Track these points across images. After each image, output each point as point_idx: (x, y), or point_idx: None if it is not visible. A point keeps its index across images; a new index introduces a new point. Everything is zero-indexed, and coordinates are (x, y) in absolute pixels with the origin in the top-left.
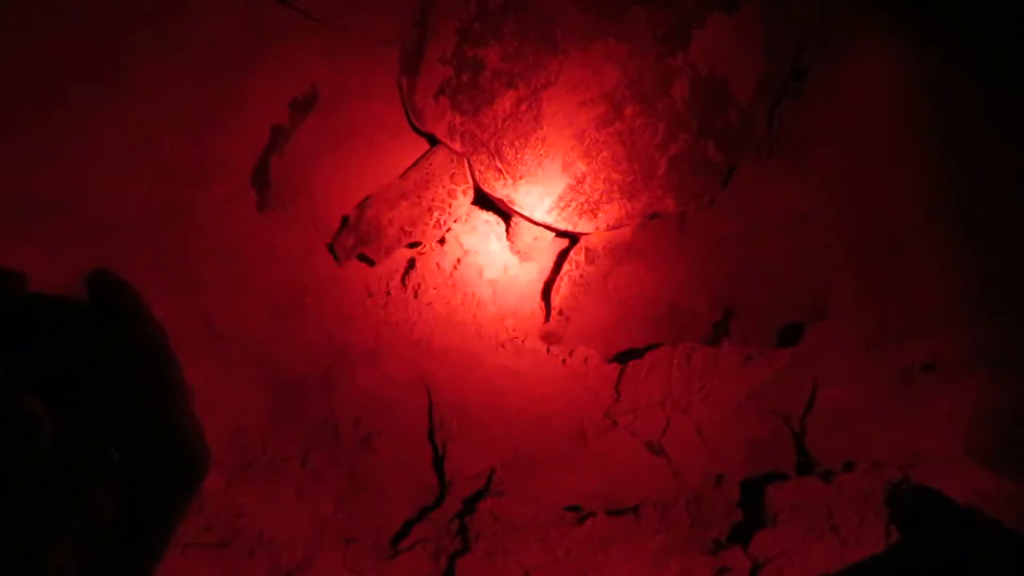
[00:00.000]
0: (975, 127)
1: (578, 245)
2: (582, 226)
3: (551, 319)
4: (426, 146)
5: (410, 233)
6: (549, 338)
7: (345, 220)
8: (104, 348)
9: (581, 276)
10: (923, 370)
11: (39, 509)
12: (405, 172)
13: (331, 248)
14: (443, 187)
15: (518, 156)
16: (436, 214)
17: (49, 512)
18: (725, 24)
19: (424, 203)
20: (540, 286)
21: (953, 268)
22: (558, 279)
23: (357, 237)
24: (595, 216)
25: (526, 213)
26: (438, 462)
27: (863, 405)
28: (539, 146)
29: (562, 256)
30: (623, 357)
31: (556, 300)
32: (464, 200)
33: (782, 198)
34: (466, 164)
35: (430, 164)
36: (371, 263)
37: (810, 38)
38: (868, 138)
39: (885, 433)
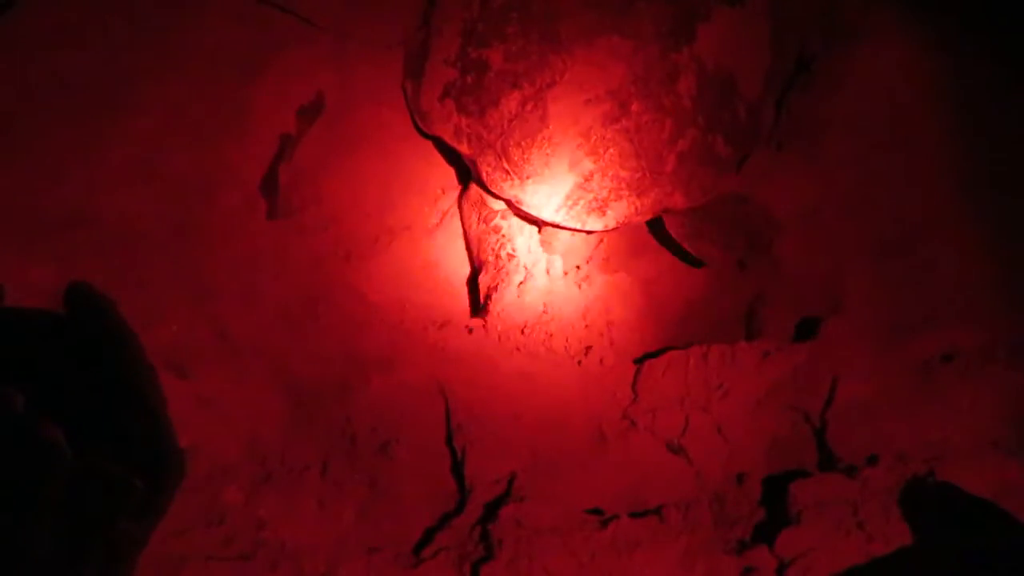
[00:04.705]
0: (987, 114)
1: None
2: (591, 224)
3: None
4: (433, 149)
5: (497, 287)
6: None
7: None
8: (84, 363)
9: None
10: (943, 361)
11: (63, 537)
12: None
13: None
14: (482, 231)
15: (525, 156)
16: (504, 254)
17: (73, 540)
18: (730, 18)
19: (489, 260)
20: (556, 289)
21: (969, 257)
22: None
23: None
24: (604, 214)
25: (534, 212)
26: (457, 468)
27: (884, 398)
28: (545, 145)
29: None
30: (639, 356)
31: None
32: (504, 223)
33: (792, 191)
34: (484, 196)
35: (465, 234)
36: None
37: (816, 29)
38: (878, 128)
39: (908, 426)
